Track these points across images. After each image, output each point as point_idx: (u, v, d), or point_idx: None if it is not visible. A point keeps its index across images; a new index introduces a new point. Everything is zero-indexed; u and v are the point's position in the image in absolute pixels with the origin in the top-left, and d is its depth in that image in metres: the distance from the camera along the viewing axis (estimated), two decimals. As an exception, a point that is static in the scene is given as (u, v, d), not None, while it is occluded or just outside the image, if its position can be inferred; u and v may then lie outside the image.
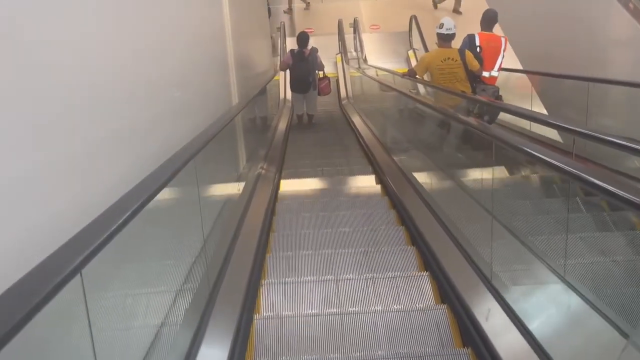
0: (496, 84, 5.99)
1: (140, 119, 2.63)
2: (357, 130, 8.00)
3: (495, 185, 3.00)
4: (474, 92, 5.61)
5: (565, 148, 4.66)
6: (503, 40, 6.10)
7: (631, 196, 1.61)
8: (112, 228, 1.43)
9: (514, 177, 3.49)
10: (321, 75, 8.97)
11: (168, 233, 2.32)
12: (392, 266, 3.42)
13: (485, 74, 5.89)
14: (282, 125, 8.50)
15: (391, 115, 7.20)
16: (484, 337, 2.35)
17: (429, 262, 3.30)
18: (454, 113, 4.21)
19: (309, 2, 14.49)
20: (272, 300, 3.02)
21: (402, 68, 10.06)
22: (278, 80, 10.20)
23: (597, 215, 2.94)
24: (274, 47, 11.71)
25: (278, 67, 9.93)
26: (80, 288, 1.25)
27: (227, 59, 5.16)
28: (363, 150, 7.04)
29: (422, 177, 4.61)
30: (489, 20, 6.16)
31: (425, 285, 3.11)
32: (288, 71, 8.90)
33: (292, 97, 9.48)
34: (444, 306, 2.81)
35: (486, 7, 6.60)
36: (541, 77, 6.52)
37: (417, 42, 11.36)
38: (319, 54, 8.83)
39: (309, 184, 5.62)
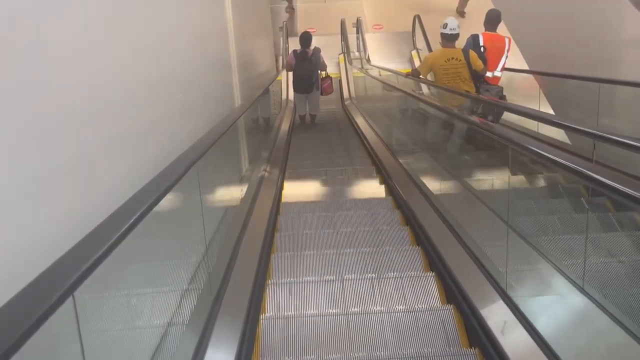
0: (500, 84, 5.97)
1: (140, 120, 2.60)
2: (361, 131, 7.98)
3: (502, 188, 2.97)
4: (477, 92, 5.59)
5: (572, 149, 4.63)
6: (507, 40, 6.09)
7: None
8: (110, 242, 1.34)
9: (527, 179, 3.43)
10: (324, 75, 8.96)
11: (169, 242, 2.27)
12: (398, 266, 3.41)
13: (489, 74, 5.88)
14: (285, 126, 8.48)
15: (395, 116, 7.18)
16: (491, 337, 2.33)
17: (435, 262, 3.28)
18: (459, 113, 4.18)
19: (292, 7, 14.37)
20: (278, 301, 3.01)
21: (406, 68, 10.05)
22: (280, 81, 10.19)
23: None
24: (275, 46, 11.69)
25: (280, 67, 9.92)
26: (73, 311, 1.16)
27: (230, 60, 5.14)
28: (367, 151, 7.02)
29: (426, 178, 4.59)
30: (492, 20, 6.14)
31: (431, 285, 3.09)
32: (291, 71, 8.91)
33: (294, 97, 9.46)
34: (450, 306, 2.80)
35: (491, 7, 6.58)
36: (548, 77, 6.45)
37: (420, 42, 11.33)
38: (322, 54, 8.82)
39: (313, 185, 5.60)
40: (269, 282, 3.15)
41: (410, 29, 12.11)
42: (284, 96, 10.34)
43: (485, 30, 6.10)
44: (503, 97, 5.67)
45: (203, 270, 2.39)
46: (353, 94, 10.68)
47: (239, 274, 2.88)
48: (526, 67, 7.17)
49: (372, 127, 7.80)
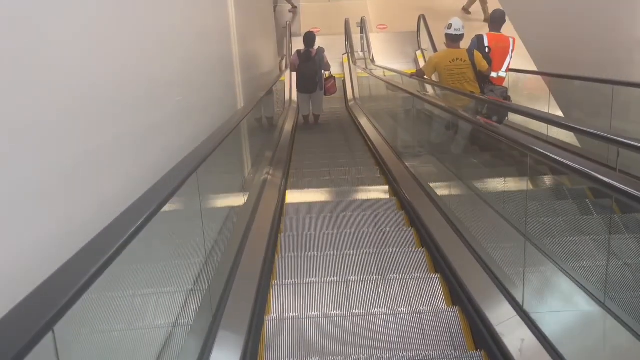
0: (505, 85, 5.94)
1: (140, 121, 2.58)
2: (364, 132, 7.95)
3: (502, 188, 2.94)
4: (482, 92, 5.56)
5: (586, 154, 4.54)
6: (511, 40, 6.06)
7: None
8: (109, 254, 1.28)
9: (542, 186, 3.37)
10: (327, 75, 8.94)
11: (170, 248, 2.24)
12: (402, 265, 3.39)
13: (493, 74, 5.85)
14: (288, 127, 8.46)
15: (399, 117, 7.15)
16: (497, 340, 2.31)
17: (440, 264, 3.26)
18: (465, 114, 4.15)
19: (295, 6, 14.39)
20: (282, 302, 2.99)
21: (410, 69, 10.01)
22: (284, 81, 10.17)
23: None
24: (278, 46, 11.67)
25: (283, 67, 9.89)
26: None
27: (232, 60, 5.12)
28: (370, 152, 7.00)
29: (430, 179, 4.57)
30: (497, 20, 6.12)
31: (436, 286, 3.07)
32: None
33: (297, 97, 9.44)
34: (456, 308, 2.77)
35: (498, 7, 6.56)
36: (557, 79, 6.35)
37: (425, 43, 11.29)
38: (325, 54, 8.80)
39: (317, 186, 5.57)
40: (273, 282, 3.14)
41: (415, 29, 12.07)
42: (287, 96, 10.32)
43: (490, 30, 6.08)
44: (508, 98, 5.64)
45: (204, 280, 2.36)
46: (357, 95, 10.65)
47: (243, 275, 2.87)
48: (534, 68, 7.10)
49: (376, 128, 7.77)
